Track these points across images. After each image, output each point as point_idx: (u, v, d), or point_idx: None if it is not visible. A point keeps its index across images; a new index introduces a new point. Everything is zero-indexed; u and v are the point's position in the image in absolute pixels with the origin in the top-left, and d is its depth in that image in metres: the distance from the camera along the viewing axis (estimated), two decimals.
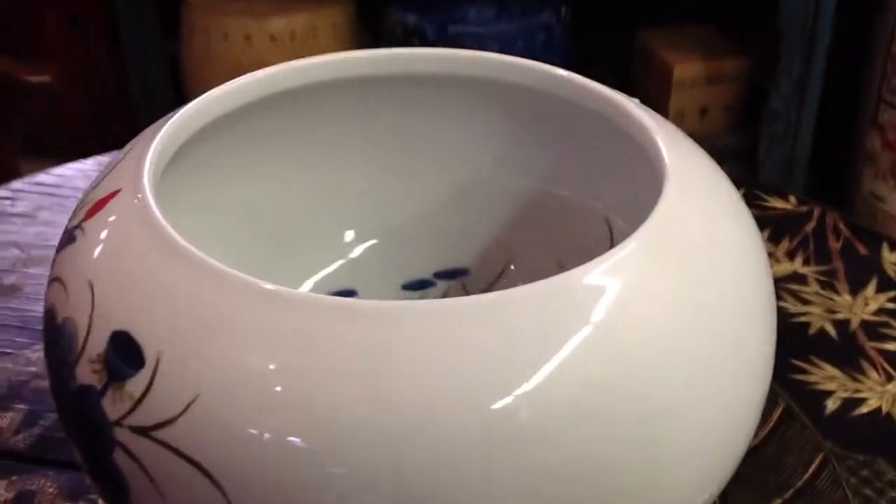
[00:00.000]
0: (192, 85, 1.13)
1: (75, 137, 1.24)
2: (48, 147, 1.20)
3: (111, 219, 0.30)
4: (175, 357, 0.27)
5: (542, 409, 0.26)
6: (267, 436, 0.26)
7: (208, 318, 0.27)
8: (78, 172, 0.58)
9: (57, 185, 0.57)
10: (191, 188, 0.37)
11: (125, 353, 0.27)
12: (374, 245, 0.44)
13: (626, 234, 0.42)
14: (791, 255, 0.47)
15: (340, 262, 0.44)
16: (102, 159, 0.58)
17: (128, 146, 0.35)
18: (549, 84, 0.36)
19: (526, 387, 0.26)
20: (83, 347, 0.28)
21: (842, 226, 0.49)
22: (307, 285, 0.43)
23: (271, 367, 0.26)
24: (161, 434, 0.27)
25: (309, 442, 0.26)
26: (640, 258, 0.29)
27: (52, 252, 0.32)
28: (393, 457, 0.25)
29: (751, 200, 0.49)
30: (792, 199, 0.52)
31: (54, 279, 0.31)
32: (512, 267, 0.44)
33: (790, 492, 0.36)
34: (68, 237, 0.31)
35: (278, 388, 0.26)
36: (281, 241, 0.42)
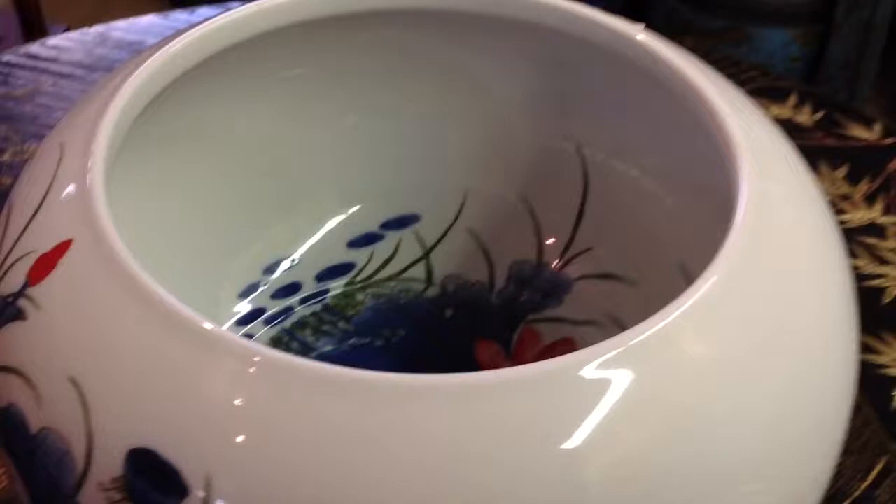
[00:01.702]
0: None
1: None
2: None
3: (75, 284, 0.23)
4: (232, 478, 0.21)
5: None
6: None
7: (255, 418, 0.21)
8: (78, 45, 0.47)
9: (53, 60, 0.46)
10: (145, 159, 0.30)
11: (156, 478, 0.21)
12: (317, 201, 0.38)
13: (602, 172, 0.38)
14: (870, 200, 0.41)
15: (288, 225, 0.37)
16: (105, 31, 0.46)
17: (46, 149, 0.27)
18: (551, 19, 0.31)
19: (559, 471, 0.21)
20: (86, 470, 0.22)
21: None
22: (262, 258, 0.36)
23: (366, 471, 0.21)
24: None
25: None
26: (710, 307, 0.23)
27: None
28: None
29: (830, 128, 0.43)
30: (876, 127, 0.44)
31: (3, 368, 0.24)
32: (467, 206, 0.39)
33: (846, 502, 0.31)
34: (10, 310, 0.24)
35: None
36: (247, 205, 0.35)
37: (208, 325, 0.21)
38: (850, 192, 0.41)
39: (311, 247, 0.38)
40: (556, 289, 0.38)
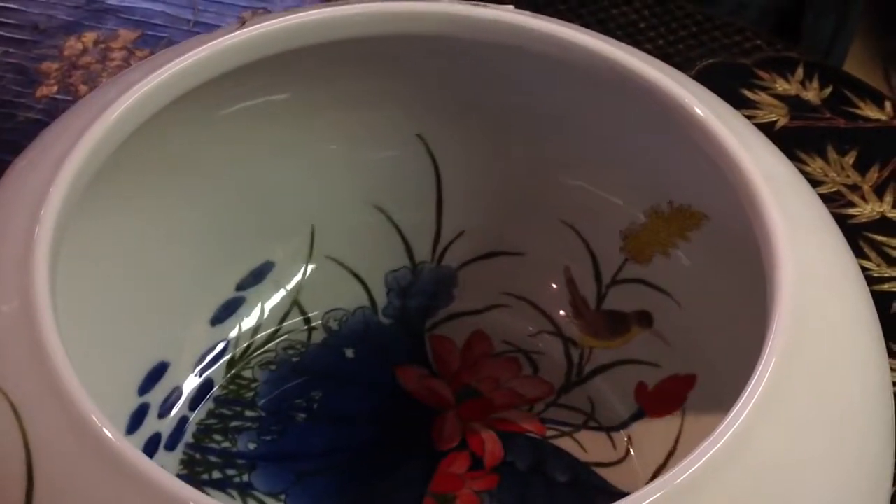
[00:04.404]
0: None
1: None
2: None
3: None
4: None
5: None
6: None
7: None
8: None
9: None
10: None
11: None
12: (161, 289, 0.32)
13: (449, 153, 0.35)
14: (880, 192, 0.37)
15: (140, 327, 0.31)
16: None
17: None
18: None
19: None
20: None
21: None
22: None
23: None
24: None
25: None
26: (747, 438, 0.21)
27: None
28: None
29: (839, 105, 0.38)
30: (888, 106, 0.40)
31: None
32: (318, 233, 0.35)
33: None
34: None
35: None
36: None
37: None
38: (860, 182, 0.37)
39: (174, 342, 0.33)
40: (441, 286, 0.35)
